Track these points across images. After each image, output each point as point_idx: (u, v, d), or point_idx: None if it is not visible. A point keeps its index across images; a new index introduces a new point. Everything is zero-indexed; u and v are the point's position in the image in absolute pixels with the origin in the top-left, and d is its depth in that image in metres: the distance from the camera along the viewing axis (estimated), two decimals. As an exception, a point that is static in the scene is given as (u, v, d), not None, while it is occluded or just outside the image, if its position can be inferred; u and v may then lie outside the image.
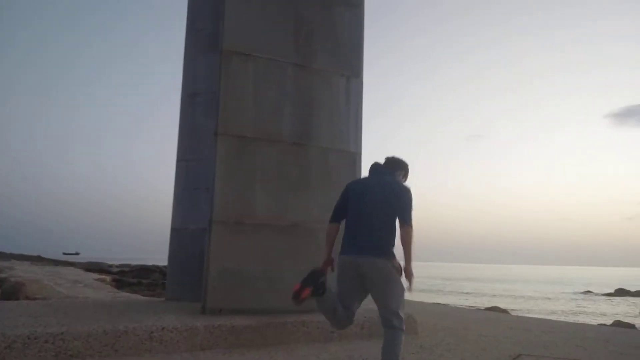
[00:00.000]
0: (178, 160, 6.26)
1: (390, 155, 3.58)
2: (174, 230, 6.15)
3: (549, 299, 35.93)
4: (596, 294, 40.76)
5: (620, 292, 41.13)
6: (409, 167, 3.56)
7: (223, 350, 4.03)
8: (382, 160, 3.59)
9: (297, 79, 5.22)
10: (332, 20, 5.50)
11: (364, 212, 3.27)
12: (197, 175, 6.03)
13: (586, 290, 45.06)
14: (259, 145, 4.95)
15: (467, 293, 39.85)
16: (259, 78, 5.02)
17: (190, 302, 5.31)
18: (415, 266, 3.18)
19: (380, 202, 3.24)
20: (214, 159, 4.79)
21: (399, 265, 3.21)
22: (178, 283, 5.99)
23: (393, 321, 3.14)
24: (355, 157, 5.48)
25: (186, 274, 5.87)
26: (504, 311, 13.46)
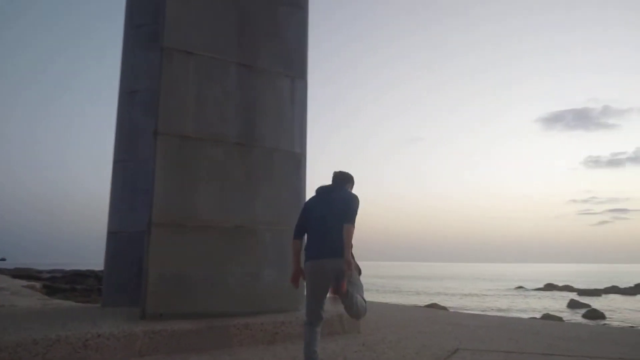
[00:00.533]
0: (115, 161, 6.02)
1: (337, 170, 3.88)
2: (111, 234, 5.91)
3: (483, 295, 37.48)
4: (527, 290, 42.95)
5: (549, 287, 43.59)
6: (354, 178, 3.92)
7: (164, 355, 3.92)
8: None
9: (241, 79, 5.17)
10: (276, 21, 5.48)
11: (318, 221, 3.61)
12: (135, 177, 5.82)
13: (518, 286, 47.36)
14: (202, 146, 4.85)
15: (406, 291, 40.87)
16: (201, 76, 4.92)
17: (128, 307, 5.13)
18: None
19: (330, 211, 3.58)
20: (153, 159, 4.65)
21: (357, 264, 3.57)
22: (115, 288, 5.76)
23: (357, 308, 3.55)
24: (300, 158, 5.49)
25: (124, 278, 5.66)
26: (443, 308, 13.92)
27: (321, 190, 3.77)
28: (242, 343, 4.36)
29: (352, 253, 3.48)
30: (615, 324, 18.96)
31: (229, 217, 4.91)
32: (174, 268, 4.59)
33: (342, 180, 3.84)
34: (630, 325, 18.31)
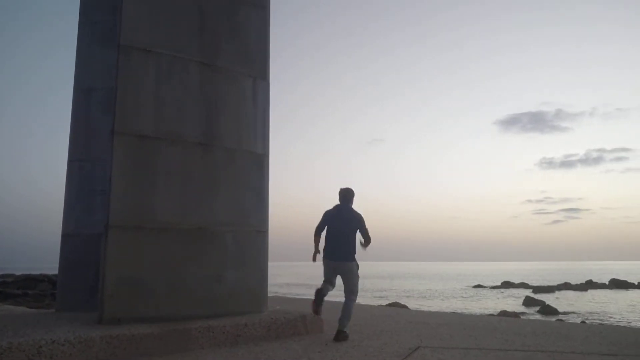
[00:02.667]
0: (70, 161, 5.82)
1: (343, 187, 5.29)
2: (66, 236, 5.71)
3: (444, 293, 38.27)
4: (485, 288, 44.11)
5: (506, 285, 44.95)
6: (354, 192, 5.31)
7: (122, 361, 3.81)
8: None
9: (202, 78, 5.09)
10: (238, 21, 5.43)
11: (337, 231, 5.11)
12: (91, 177, 5.65)
13: (476, 284, 48.59)
14: (161, 145, 4.75)
15: (368, 290, 41.26)
16: (160, 75, 4.82)
17: (84, 312, 4.97)
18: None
19: (348, 227, 5.12)
20: (110, 159, 4.52)
21: (357, 264, 5.15)
22: (70, 292, 5.57)
23: (351, 295, 5.17)
24: (262, 159, 5.45)
25: (80, 282, 5.49)
26: (404, 306, 14.12)
27: (340, 208, 5.21)
28: (204, 346, 4.29)
29: (354, 255, 5.08)
30: (567, 319, 19.72)
31: (189, 218, 4.82)
32: (132, 271, 4.47)
33: (349, 197, 5.26)
34: (581, 320, 19.08)
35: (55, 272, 6.19)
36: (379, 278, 68.01)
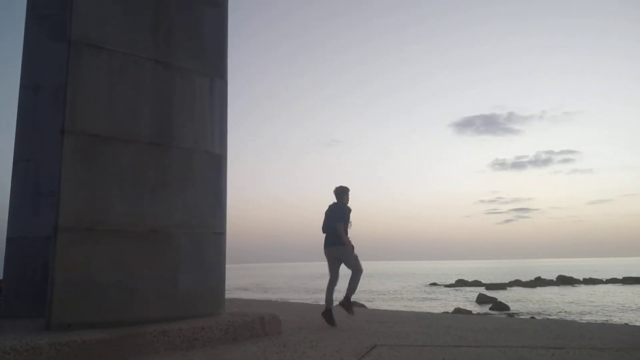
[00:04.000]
0: (16, 161, 5.57)
1: (337, 185, 6.36)
2: (11, 240, 5.46)
3: (400, 292, 38.90)
4: (440, 286, 45.16)
5: (460, 283, 46.17)
6: (348, 188, 6.36)
7: (71, 369, 3.67)
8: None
9: (157, 76, 4.97)
10: (194, 18, 5.34)
11: (327, 222, 6.21)
12: (39, 178, 5.43)
13: (432, 282, 49.68)
14: (114, 145, 4.61)
15: (324, 291, 41.43)
16: (113, 73, 4.68)
17: (31, 318, 4.76)
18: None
19: (332, 215, 6.18)
20: (59, 159, 4.34)
21: (350, 243, 6.00)
22: (16, 298, 5.33)
23: (355, 273, 6.08)
24: (220, 159, 5.38)
25: (26, 287, 5.26)
26: (361, 305, 14.28)
27: (331, 204, 6.29)
28: (159, 350, 4.19)
29: (348, 238, 6.03)
30: (518, 314, 20.43)
31: (143, 220, 4.70)
32: (83, 275, 4.32)
33: (341, 193, 6.30)
34: (531, 315, 19.82)
35: (0, 276, 5.91)
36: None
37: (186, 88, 5.18)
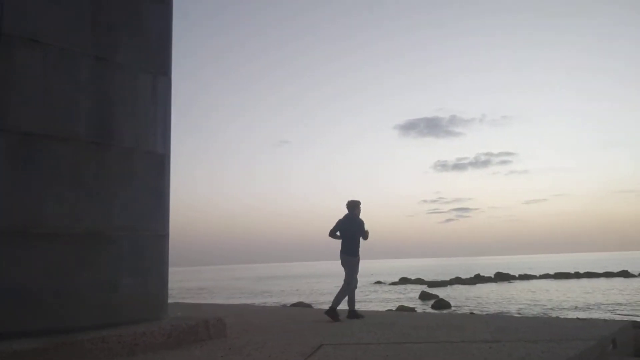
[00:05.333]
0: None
1: (349, 200, 7.15)
2: None
3: (346, 291, 39.21)
4: (385, 284, 46.02)
5: (404, 281, 47.23)
6: (360, 202, 7.17)
7: (1, 380, 3.47)
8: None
9: (96, 73, 4.77)
10: (137, 14, 5.17)
11: (351, 235, 7.01)
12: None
13: (376, 281, 50.51)
14: (50, 144, 4.39)
15: (272, 292, 41.27)
16: (48, 68, 4.45)
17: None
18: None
19: (354, 229, 7.04)
20: (-11, 158, 4.09)
21: (346, 257, 6.97)
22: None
23: (343, 283, 7.04)
24: (163, 159, 5.24)
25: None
26: (308, 306, 14.32)
27: (349, 217, 7.08)
28: (98, 358, 4.03)
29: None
30: (458, 311, 21.16)
31: (80, 222, 4.50)
32: (16, 280, 4.08)
33: (354, 207, 7.10)
34: (470, 311, 20.58)
35: None
36: (282, 279, 68.30)
37: (127, 85, 5.01)
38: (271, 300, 30.66)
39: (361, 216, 7.14)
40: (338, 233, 7.08)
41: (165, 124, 5.31)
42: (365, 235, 7.06)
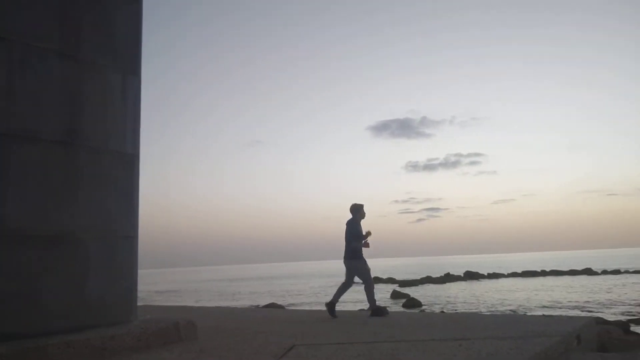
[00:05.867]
0: None
1: (352, 203, 7.36)
2: None
3: (319, 291, 39.37)
4: (356, 283, 46.23)
5: (375, 280, 47.16)
6: (361, 205, 7.35)
7: (-38, 388, 3.35)
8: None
9: (63, 71, 4.66)
10: (106, 11, 5.07)
11: (346, 238, 7.17)
12: None
13: (348, 280, 50.64)
14: (14, 144, 4.25)
15: (245, 293, 41.00)
16: (13, 65, 4.32)
17: None
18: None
19: (346, 233, 7.20)
20: (-51, 158, 3.94)
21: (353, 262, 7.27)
22: None
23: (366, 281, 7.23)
24: (132, 159, 5.15)
25: None
26: (280, 307, 14.28)
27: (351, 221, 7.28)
28: (64, 363, 3.93)
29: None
30: (429, 310, 21.46)
31: (47, 224, 4.38)
32: (-24, 285, 3.95)
33: (354, 210, 7.31)
34: (441, 310, 20.89)
35: None
36: (254, 280, 67.95)
37: (96, 84, 4.90)
38: (243, 302, 30.46)
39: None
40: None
41: (134, 123, 5.22)
42: (346, 236, 7.20)
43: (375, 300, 7.20)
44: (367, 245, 7.30)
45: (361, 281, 7.24)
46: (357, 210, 7.31)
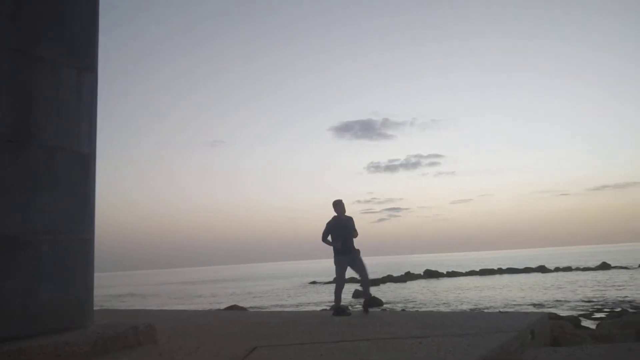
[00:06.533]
0: None
1: (335, 199, 7.65)
2: None
3: (282, 292, 39.26)
4: (319, 284, 46.39)
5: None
6: (343, 201, 7.66)
7: None
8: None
9: (14, 67, 4.46)
10: (61, 7, 4.89)
11: (343, 232, 7.41)
12: None
13: (311, 281, 50.84)
14: (-41, 142, 4.06)
15: (206, 295, 40.43)
16: (-41, 60, 4.11)
17: None
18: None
19: (346, 227, 7.49)
20: None
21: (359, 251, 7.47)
22: None
23: (366, 277, 7.51)
24: (88, 158, 4.99)
25: None
26: (242, 309, 14.15)
27: (339, 217, 7.56)
28: (15, 371, 3.77)
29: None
30: (390, 308, 21.74)
31: (-3, 226, 4.19)
32: None
33: (341, 206, 7.59)
34: (402, 308, 21.21)
35: None
36: (215, 282, 67.12)
37: (49, 81, 4.73)
38: (204, 305, 30.03)
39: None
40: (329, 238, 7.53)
41: (90, 122, 5.06)
42: (355, 231, 7.66)
43: (340, 300, 7.45)
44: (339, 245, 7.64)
45: (357, 275, 7.58)
46: (337, 206, 7.65)
